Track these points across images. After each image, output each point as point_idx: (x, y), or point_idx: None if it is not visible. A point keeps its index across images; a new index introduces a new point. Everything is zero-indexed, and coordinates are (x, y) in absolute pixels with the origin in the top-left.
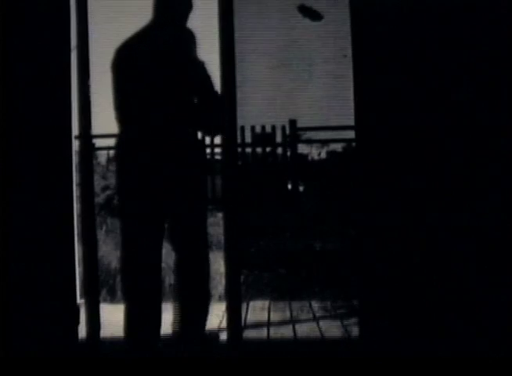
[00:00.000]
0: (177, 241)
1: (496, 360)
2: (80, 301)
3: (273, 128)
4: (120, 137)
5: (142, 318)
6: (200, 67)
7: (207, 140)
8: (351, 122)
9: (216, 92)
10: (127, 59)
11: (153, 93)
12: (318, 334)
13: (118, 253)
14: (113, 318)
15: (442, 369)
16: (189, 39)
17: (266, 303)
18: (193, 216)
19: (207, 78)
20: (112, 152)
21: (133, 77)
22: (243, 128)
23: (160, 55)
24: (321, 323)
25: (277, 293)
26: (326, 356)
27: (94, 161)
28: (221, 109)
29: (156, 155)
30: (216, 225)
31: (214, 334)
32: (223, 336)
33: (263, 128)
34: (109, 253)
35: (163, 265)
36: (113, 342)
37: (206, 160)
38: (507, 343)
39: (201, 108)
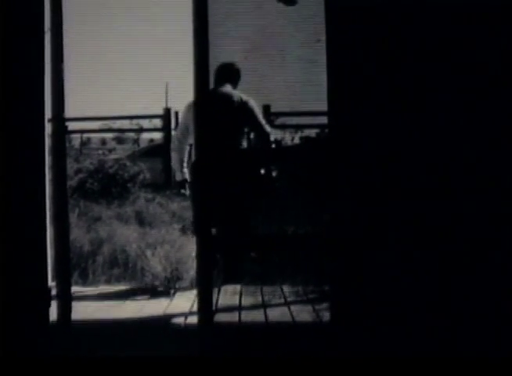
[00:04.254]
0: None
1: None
2: (51, 283)
3: None
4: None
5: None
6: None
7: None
8: (325, 107)
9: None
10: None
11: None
12: (289, 318)
13: (90, 236)
14: (84, 301)
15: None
16: (242, 101)
17: (238, 287)
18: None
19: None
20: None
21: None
22: None
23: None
24: (292, 307)
25: (249, 277)
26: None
27: (67, 144)
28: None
29: (222, 166)
30: (189, 209)
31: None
32: (194, 319)
33: None
34: (82, 236)
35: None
36: (83, 325)
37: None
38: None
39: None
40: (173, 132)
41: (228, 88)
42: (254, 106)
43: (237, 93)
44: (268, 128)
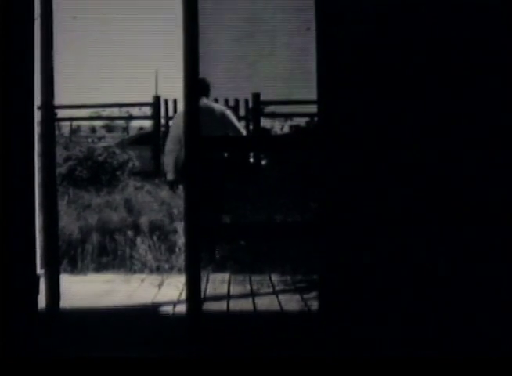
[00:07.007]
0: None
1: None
2: (40, 271)
3: (236, 101)
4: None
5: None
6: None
7: None
8: (315, 96)
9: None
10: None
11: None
12: (277, 307)
13: (79, 224)
14: (73, 288)
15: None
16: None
17: (226, 276)
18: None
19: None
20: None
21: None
22: None
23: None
24: (281, 296)
25: (237, 266)
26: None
27: (56, 132)
28: None
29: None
30: (177, 198)
31: None
32: (182, 308)
33: (226, 101)
34: (71, 224)
35: None
36: (72, 313)
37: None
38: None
39: None
40: (162, 121)
41: (207, 101)
42: (231, 114)
43: (216, 105)
44: (243, 130)
